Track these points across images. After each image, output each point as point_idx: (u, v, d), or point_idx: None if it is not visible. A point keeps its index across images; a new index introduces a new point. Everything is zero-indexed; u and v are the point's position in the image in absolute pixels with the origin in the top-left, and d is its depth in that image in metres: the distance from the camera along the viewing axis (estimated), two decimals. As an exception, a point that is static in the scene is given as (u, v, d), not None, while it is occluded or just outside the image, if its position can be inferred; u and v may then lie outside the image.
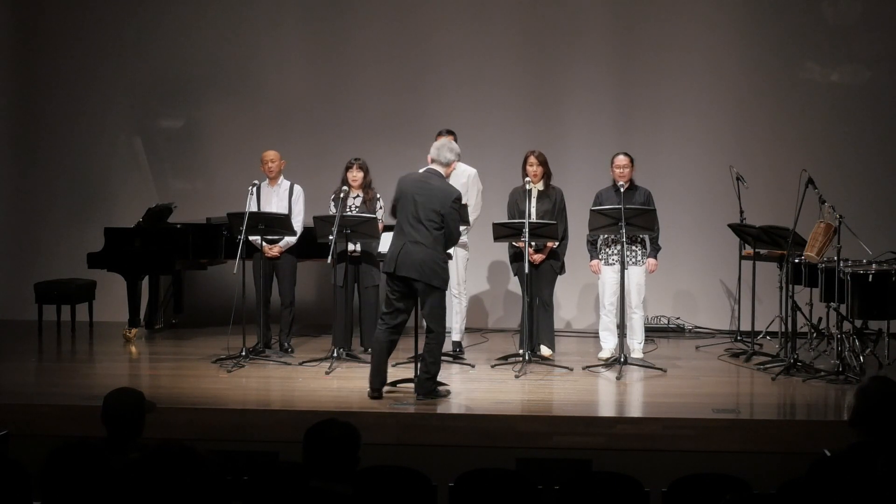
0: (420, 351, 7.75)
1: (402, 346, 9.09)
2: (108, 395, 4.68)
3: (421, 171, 7.82)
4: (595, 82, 10.85)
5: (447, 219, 7.52)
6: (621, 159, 9.04)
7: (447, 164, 7.72)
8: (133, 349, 9.82)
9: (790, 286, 8.76)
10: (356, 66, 11.06)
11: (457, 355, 9.27)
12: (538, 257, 8.94)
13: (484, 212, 9.37)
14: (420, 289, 7.54)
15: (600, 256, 9.12)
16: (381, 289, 8.29)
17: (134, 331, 10.01)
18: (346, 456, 3.97)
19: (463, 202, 8.91)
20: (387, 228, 8.60)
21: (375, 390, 7.64)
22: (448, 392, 7.78)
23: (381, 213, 9.10)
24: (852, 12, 10.69)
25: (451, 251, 8.06)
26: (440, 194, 7.55)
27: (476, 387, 8.25)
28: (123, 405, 4.63)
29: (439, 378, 7.93)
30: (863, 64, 10.72)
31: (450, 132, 9.24)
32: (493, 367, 8.85)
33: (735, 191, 9.76)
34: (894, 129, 10.64)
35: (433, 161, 7.75)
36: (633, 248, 9.06)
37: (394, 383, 7.82)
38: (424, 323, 7.69)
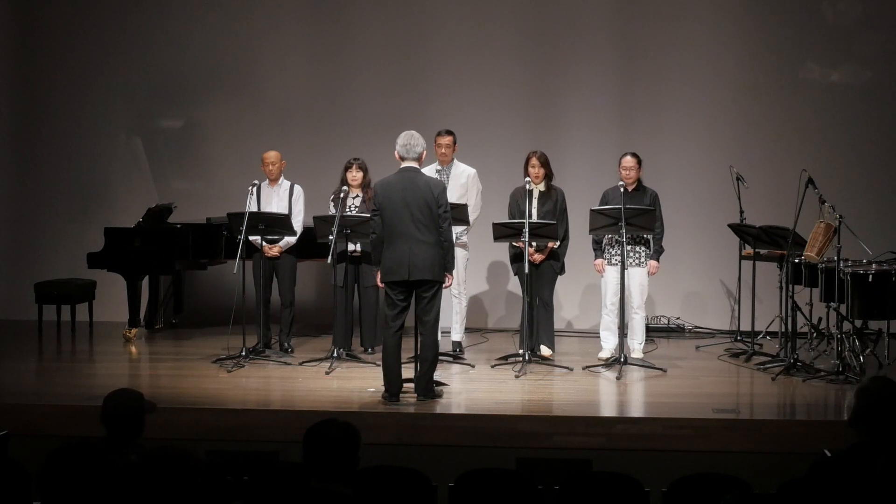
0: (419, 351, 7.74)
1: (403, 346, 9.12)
2: (107, 397, 4.68)
3: (395, 173, 7.70)
4: (596, 82, 10.85)
5: (441, 219, 7.50)
6: (627, 160, 9.04)
7: (418, 157, 7.67)
8: (133, 349, 9.83)
9: (790, 286, 8.75)
10: (356, 67, 11.06)
11: (457, 355, 9.27)
12: (539, 257, 8.93)
13: (484, 212, 9.37)
14: (427, 286, 7.53)
15: (605, 256, 9.12)
16: (381, 289, 8.27)
17: (134, 331, 10.01)
18: (346, 456, 3.97)
19: (463, 202, 8.94)
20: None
21: (393, 395, 7.58)
22: (443, 392, 7.78)
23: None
24: (852, 12, 10.69)
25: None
26: (428, 189, 7.54)
27: (476, 387, 8.25)
28: (123, 406, 4.63)
29: (440, 378, 7.95)
30: (863, 64, 10.72)
31: (449, 132, 9.24)
32: (493, 367, 8.85)
33: (735, 191, 9.76)
34: (894, 129, 10.64)
35: (404, 158, 7.65)
36: (637, 248, 9.07)
37: (394, 383, 7.81)
38: (416, 321, 7.68)
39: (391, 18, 11.05)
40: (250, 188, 9.22)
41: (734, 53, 10.74)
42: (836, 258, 8.28)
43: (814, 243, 8.33)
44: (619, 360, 8.54)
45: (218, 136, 11.33)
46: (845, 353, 8.31)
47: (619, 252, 8.89)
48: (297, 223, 9.32)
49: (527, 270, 8.61)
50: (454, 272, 9.07)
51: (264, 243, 9.30)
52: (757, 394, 8.27)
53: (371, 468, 5.27)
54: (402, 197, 7.50)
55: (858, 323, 8.86)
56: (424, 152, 7.72)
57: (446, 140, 9.19)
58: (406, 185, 7.53)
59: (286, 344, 9.43)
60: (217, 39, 11.22)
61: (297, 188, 9.46)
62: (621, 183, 8.88)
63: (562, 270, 9.11)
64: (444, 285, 7.67)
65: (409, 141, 7.64)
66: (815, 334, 9.27)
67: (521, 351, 8.88)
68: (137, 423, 4.62)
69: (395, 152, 7.70)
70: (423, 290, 7.56)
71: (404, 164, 7.66)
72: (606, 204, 8.98)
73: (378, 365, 7.83)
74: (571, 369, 8.69)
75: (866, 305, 8.40)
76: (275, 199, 9.40)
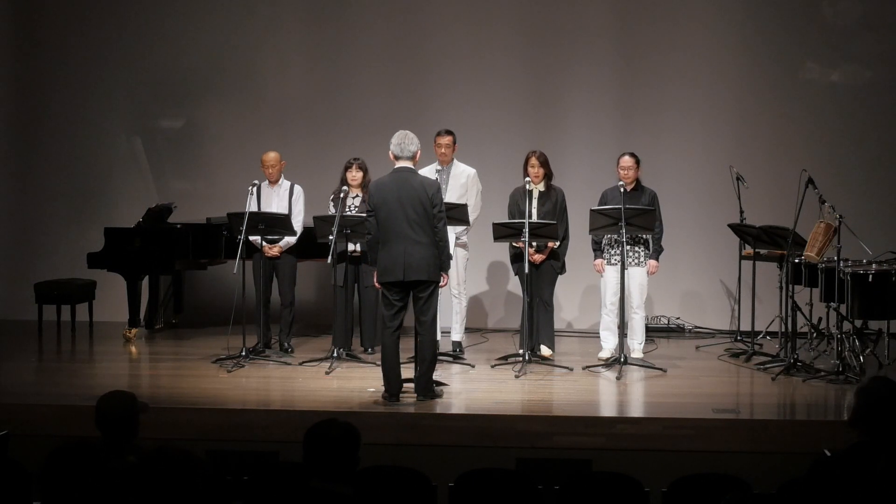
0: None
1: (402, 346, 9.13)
2: (99, 400, 4.66)
3: (390, 173, 7.67)
4: (596, 82, 10.85)
5: (436, 218, 7.49)
6: (626, 160, 9.05)
7: (413, 157, 7.64)
8: (133, 349, 9.83)
9: (790, 286, 8.76)
10: (356, 67, 11.06)
11: (457, 355, 9.27)
12: (539, 257, 8.94)
13: (484, 212, 9.37)
14: (423, 287, 7.53)
15: (604, 256, 9.12)
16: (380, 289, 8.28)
17: (134, 331, 10.01)
18: (346, 456, 3.97)
19: (463, 202, 8.94)
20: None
21: (393, 395, 7.58)
22: (442, 392, 7.78)
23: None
24: (852, 12, 10.69)
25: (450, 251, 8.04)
26: (422, 188, 7.52)
27: (476, 387, 8.25)
28: (116, 408, 4.62)
29: (440, 378, 7.95)
30: (863, 64, 10.72)
31: (449, 132, 9.24)
32: (493, 367, 8.85)
33: (735, 191, 9.76)
34: (894, 129, 10.64)
35: (398, 158, 7.62)
36: (637, 248, 9.07)
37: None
38: (415, 321, 7.68)
39: (391, 18, 11.05)
40: (250, 188, 9.22)
41: (734, 53, 10.74)
42: (836, 258, 8.28)
43: (814, 243, 8.33)
44: (619, 360, 8.54)
45: (218, 136, 11.33)
46: (845, 353, 8.31)
47: (618, 252, 8.89)
48: (297, 223, 9.32)
49: (527, 270, 8.61)
50: (454, 272, 9.10)
51: (264, 243, 9.30)
52: (757, 394, 8.27)
53: (371, 468, 5.27)
54: (397, 197, 7.49)
55: (858, 323, 8.86)
56: (419, 152, 7.70)
57: (446, 140, 9.19)
58: (400, 185, 7.52)
59: (286, 344, 9.43)
60: (217, 39, 11.22)
61: (297, 188, 9.46)
62: (621, 183, 8.88)
63: (562, 270, 9.10)
64: (439, 285, 7.67)
65: (403, 140, 7.63)
66: (815, 334, 9.26)
67: (521, 351, 8.88)
68: (132, 425, 4.62)
69: (390, 152, 7.69)
70: (420, 291, 7.56)
71: (399, 164, 7.65)
72: (605, 204, 8.98)
73: (378, 365, 7.83)
74: (571, 369, 8.69)
75: (866, 305, 8.40)
76: (275, 199, 9.40)
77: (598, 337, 9.33)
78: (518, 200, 8.97)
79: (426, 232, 7.49)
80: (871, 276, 8.33)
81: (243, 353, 8.85)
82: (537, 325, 9.00)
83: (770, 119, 10.72)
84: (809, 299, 9.09)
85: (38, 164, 11.47)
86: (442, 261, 7.58)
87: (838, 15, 10.70)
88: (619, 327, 8.92)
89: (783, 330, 9.03)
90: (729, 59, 10.74)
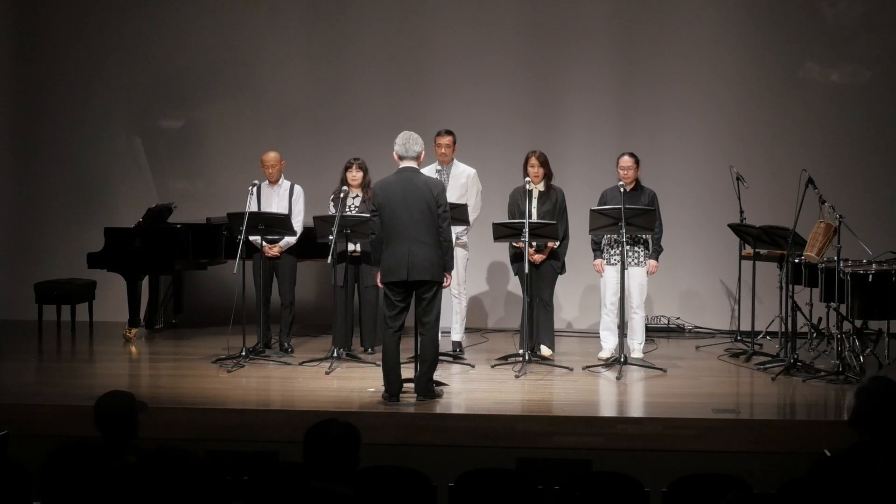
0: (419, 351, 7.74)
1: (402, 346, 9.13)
2: (98, 400, 4.67)
3: (394, 173, 7.68)
4: (595, 82, 10.85)
5: (440, 218, 7.49)
6: (625, 160, 9.05)
7: (417, 157, 7.65)
8: (133, 349, 9.83)
9: (790, 286, 8.76)
10: (356, 67, 11.06)
11: (457, 355, 9.27)
12: (539, 257, 8.94)
13: (484, 212, 9.37)
14: (427, 287, 7.52)
15: (604, 256, 9.13)
16: (381, 289, 8.28)
17: (134, 331, 10.01)
18: (346, 456, 3.97)
19: (462, 202, 8.94)
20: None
21: (393, 395, 7.58)
22: (442, 392, 7.78)
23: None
24: (852, 12, 10.69)
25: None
26: (427, 189, 7.53)
27: (476, 387, 8.25)
28: (114, 408, 4.62)
29: (440, 378, 7.95)
30: (863, 64, 10.72)
31: (449, 132, 9.24)
32: (493, 367, 8.85)
33: (735, 191, 9.76)
34: (894, 129, 10.64)
35: (402, 158, 7.64)
36: (636, 248, 9.07)
37: (393, 383, 7.81)
38: (416, 321, 7.68)
39: (391, 18, 11.05)
40: (250, 188, 9.22)
41: (734, 53, 10.74)
42: (836, 258, 8.28)
43: (814, 243, 8.33)
44: (619, 360, 8.54)
45: (218, 136, 11.33)
46: (845, 353, 8.31)
47: (618, 252, 8.89)
48: (297, 223, 9.33)
49: (527, 270, 8.61)
50: (454, 272, 9.09)
51: (264, 243, 9.30)
52: (757, 394, 8.27)
53: (371, 468, 5.28)
54: (402, 197, 7.49)
55: (858, 323, 8.86)
56: (423, 152, 7.71)
57: (446, 140, 9.19)
58: (405, 186, 7.52)
59: (286, 344, 9.43)
60: (217, 39, 11.22)
61: (297, 188, 9.46)
62: (621, 183, 8.88)
63: (562, 270, 9.10)
64: (442, 285, 7.67)
65: (408, 141, 7.64)
66: (815, 334, 9.26)
67: (521, 351, 8.88)
68: (131, 425, 4.62)
69: (394, 152, 7.69)
70: (423, 291, 7.55)
71: (403, 164, 7.65)
72: (605, 204, 8.99)
73: (378, 365, 7.84)
74: (571, 369, 8.69)
75: (866, 305, 8.40)
76: (275, 199, 9.40)
77: (598, 337, 9.34)
78: (518, 200, 8.97)
79: (430, 232, 7.49)
80: (871, 276, 8.33)
81: (243, 353, 8.85)
82: (537, 325, 9.00)
83: (770, 119, 10.72)
84: (809, 299, 9.09)
85: (38, 164, 11.47)
86: (445, 261, 7.59)
87: (838, 15, 10.70)
88: (619, 327, 8.92)
89: (783, 330, 9.03)
90: (729, 58, 10.74)
